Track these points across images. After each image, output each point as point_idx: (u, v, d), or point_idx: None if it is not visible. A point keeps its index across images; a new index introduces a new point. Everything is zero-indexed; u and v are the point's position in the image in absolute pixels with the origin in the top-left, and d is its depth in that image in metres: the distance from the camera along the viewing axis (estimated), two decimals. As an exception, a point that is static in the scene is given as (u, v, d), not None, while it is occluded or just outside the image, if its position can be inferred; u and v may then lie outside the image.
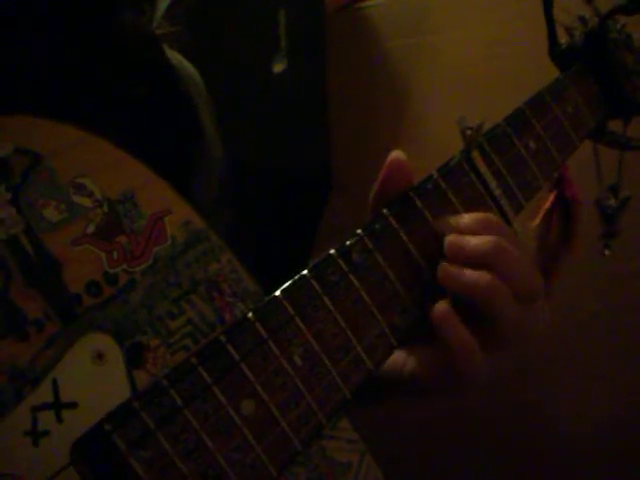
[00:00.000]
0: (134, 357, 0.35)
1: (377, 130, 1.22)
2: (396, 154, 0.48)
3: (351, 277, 0.43)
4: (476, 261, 0.45)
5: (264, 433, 0.37)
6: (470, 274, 0.45)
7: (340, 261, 0.43)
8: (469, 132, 0.53)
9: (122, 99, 0.49)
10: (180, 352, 0.37)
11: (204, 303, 0.38)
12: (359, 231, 0.45)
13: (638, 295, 1.11)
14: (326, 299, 0.41)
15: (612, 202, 0.70)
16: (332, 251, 0.43)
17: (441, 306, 0.44)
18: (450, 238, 0.47)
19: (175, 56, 0.61)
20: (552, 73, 0.68)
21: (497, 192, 0.53)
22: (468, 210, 0.50)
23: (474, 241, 0.46)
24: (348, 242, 0.44)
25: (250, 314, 0.38)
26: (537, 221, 0.68)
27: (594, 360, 1.14)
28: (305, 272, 0.41)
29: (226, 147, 0.61)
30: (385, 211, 0.46)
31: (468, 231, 0.47)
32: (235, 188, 0.58)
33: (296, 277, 0.41)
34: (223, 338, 0.37)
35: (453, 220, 0.47)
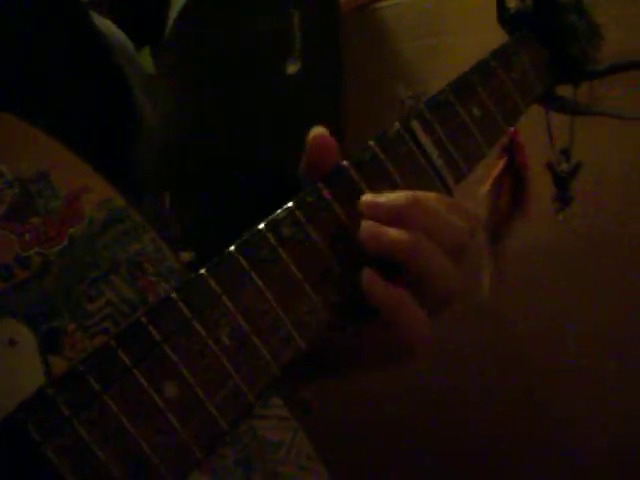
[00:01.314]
0: (50, 343, 0.34)
1: None
2: (317, 131, 0.47)
3: (280, 251, 0.42)
4: (394, 218, 0.45)
5: (189, 415, 0.36)
6: (391, 232, 0.44)
7: (269, 235, 0.42)
8: (409, 100, 0.52)
9: (40, 66, 0.47)
10: (99, 336, 0.36)
11: (125, 284, 0.37)
12: (290, 204, 0.44)
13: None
14: (254, 275, 0.40)
15: (564, 166, 0.70)
16: (261, 225, 0.42)
17: (367, 270, 0.44)
18: (366, 197, 0.46)
19: (103, 22, 0.58)
20: None
21: (438, 163, 0.52)
22: (408, 181, 0.50)
23: (390, 196, 0.46)
24: (278, 215, 0.43)
25: (173, 293, 0.37)
26: (487, 187, 0.67)
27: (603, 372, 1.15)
28: (232, 248, 0.40)
29: (235, 135, 0.59)
30: (319, 184, 0.45)
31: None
32: (251, 188, 0.57)
33: (222, 254, 0.40)
34: (144, 319, 0.36)
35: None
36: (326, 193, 0.45)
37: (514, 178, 0.66)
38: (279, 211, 0.43)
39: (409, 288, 0.44)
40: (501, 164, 0.67)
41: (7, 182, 0.35)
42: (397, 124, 0.51)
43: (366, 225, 0.44)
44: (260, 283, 0.41)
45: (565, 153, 0.71)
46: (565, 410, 1.19)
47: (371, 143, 0.49)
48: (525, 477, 1.24)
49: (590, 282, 1.20)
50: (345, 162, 0.47)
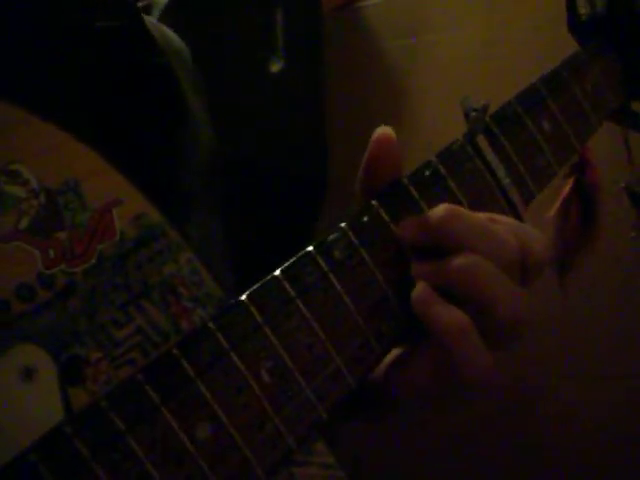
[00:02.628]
0: (70, 373, 0.30)
1: (373, 129, 1.19)
2: (383, 130, 0.42)
3: (331, 277, 0.38)
4: (444, 241, 0.40)
5: (222, 460, 0.32)
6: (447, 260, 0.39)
7: (319, 259, 0.38)
8: (474, 113, 0.47)
9: (90, 70, 0.44)
10: (125, 367, 0.32)
11: (157, 309, 0.33)
12: (343, 224, 0.40)
13: None
14: (300, 304, 0.36)
15: (643, 187, 0.64)
16: (310, 248, 0.38)
17: (420, 288, 0.39)
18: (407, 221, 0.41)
19: (158, 27, 0.55)
20: None
21: (505, 181, 0.47)
22: (471, 202, 0.45)
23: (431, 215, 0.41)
24: (330, 237, 0.39)
25: (210, 322, 0.33)
26: (554, 210, 0.62)
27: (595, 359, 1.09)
28: (277, 272, 0.36)
29: (218, 134, 0.56)
30: (374, 202, 0.41)
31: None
32: (228, 185, 0.53)
33: (266, 278, 0.36)
34: (176, 351, 0.32)
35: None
36: (383, 213, 0.41)
37: (583, 201, 0.61)
38: (331, 232, 0.39)
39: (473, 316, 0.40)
40: (569, 185, 0.62)
41: (32, 191, 0.31)
42: (461, 139, 0.46)
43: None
44: (307, 313, 0.36)
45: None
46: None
47: (433, 159, 0.44)
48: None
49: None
50: (404, 178, 0.43)
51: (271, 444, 0.34)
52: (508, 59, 1.10)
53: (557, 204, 0.59)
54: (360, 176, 0.42)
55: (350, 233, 0.39)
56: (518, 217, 0.48)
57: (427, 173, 0.44)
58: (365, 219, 0.40)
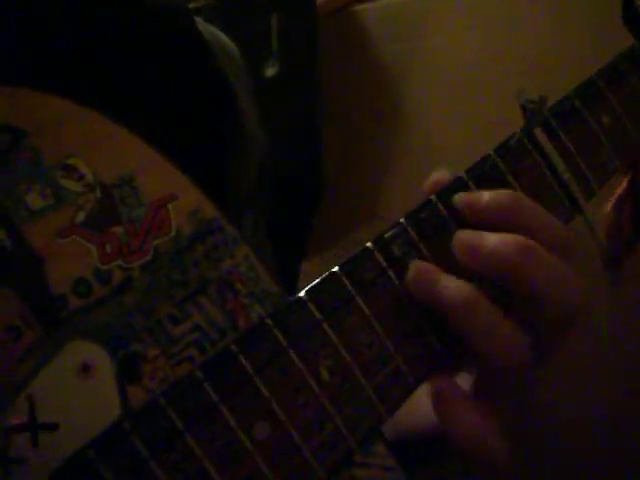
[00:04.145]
0: (128, 370, 0.30)
1: (369, 132, 1.21)
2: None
3: (390, 274, 0.37)
4: (496, 217, 0.38)
5: (281, 461, 0.31)
6: (492, 237, 0.37)
7: (378, 255, 0.37)
8: (531, 106, 0.46)
9: (145, 73, 0.44)
10: (184, 364, 0.31)
11: (214, 306, 0.32)
12: (402, 220, 0.38)
13: None
14: (360, 301, 0.35)
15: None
16: (369, 244, 0.37)
17: (415, 264, 0.36)
18: (460, 194, 0.39)
19: (210, 30, 0.55)
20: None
21: (566, 175, 0.46)
22: (531, 197, 0.43)
23: (491, 194, 0.39)
24: (388, 233, 0.38)
25: (268, 319, 0.32)
26: (608, 208, 0.60)
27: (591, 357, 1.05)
28: (336, 268, 0.35)
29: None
30: (434, 197, 0.40)
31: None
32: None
33: (325, 274, 0.35)
34: (235, 347, 0.31)
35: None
36: (442, 208, 0.40)
37: (637, 200, 0.58)
38: (389, 228, 0.38)
39: (516, 313, 0.38)
40: (624, 182, 0.59)
41: (88, 185, 0.31)
42: (519, 132, 0.45)
43: (460, 233, 0.38)
44: (366, 310, 0.35)
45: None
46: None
47: (491, 153, 0.43)
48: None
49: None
50: (463, 174, 0.41)
51: (331, 445, 0.32)
52: (504, 64, 1.09)
53: (611, 202, 0.57)
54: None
55: (409, 228, 0.38)
56: (580, 212, 0.46)
57: (485, 168, 0.42)
58: (424, 215, 0.39)
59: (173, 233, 0.32)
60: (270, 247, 0.54)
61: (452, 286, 0.35)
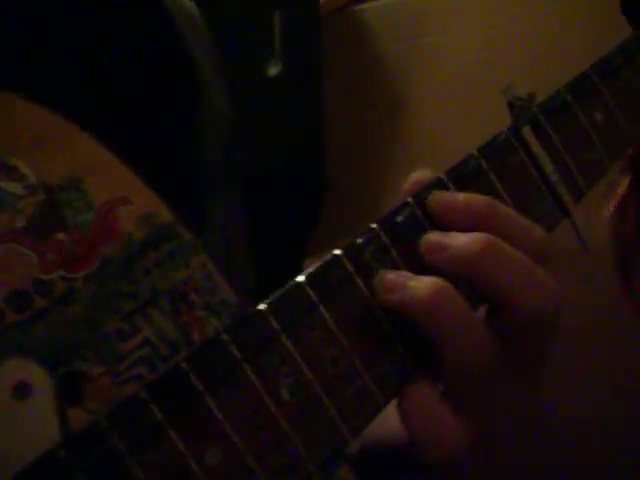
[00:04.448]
0: (69, 390, 0.27)
1: (372, 132, 1.20)
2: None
3: (357, 280, 0.34)
4: (467, 223, 0.36)
5: (235, 488, 0.29)
6: (461, 237, 0.35)
7: (346, 262, 0.34)
8: (519, 103, 0.43)
9: (98, 51, 0.41)
10: (131, 383, 0.29)
11: (166, 318, 0.30)
12: (374, 225, 0.36)
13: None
14: (324, 310, 0.33)
15: None
16: (338, 251, 0.35)
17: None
18: (436, 195, 0.37)
19: None
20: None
21: (554, 177, 0.43)
22: (516, 200, 0.41)
23: (464, 197, 0.37)
24: (359, 239, 0.35)
25: (224, 333, 0.30)
26: (610, 209, 0.57)
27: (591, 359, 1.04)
28: (301, 278, 0.33)
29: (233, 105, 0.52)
30: (411, 199, 0.37)
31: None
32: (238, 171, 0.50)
33: (288, 284, 0.33)
34: (186, 365, 0.29)
35: None
36: (418, 212, 0.37)
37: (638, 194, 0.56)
38: (361, 233, 0.36)
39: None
40: (626, 181, 0.57)
41: (30, 187, 0.28)
42: (506, 131, 0.42)
43: (429, 234, 0.36)
44: (331, 321, 0.33)
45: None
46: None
47: (475, 152, 0.41)
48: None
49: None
50: (443, 175, 0.39)
51: (289, 469, 0.31)
52: (507, 63, 1.08)
53: (613, 203, 0.55)
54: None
55: (382, 233, 0.36)
56: (567, 215, 0.44)
57: (468, 168, 0.40)
58: (399, 218, 0.37)
59: (124, 240, 0.29)
60: (246, 230, 0.51)
61: (420, 284, 0.33)
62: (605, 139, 0.48)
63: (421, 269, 0.36)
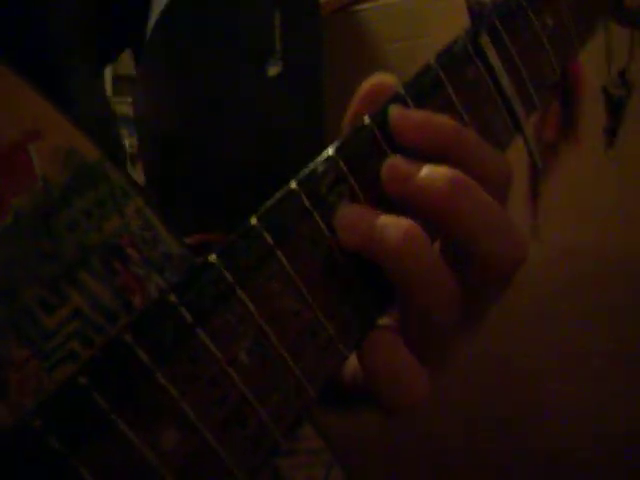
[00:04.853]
0: None
1: None
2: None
3: (316, 218, 0.30)
4: (429, 147, 0.32)
5: (194, 470, 0.25)
6: (429, 169, 0.31)
7: (303, 196, 0.30)
8: (477, 7, 0.38)
9: None
10: (63, 365, 0.23)
11: (98, 282, 0.24)
12: (331, 152, 0.31)
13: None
14: (281, 255, 0.28)
15: (621, 90, 0.58)
16: (293, 184, 0.30)
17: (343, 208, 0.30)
18: (395, 110, 0.33)
19: None
20: None
21: (509, 91, 0.40)
22: (472, 114, 0.37)
23: (428, 116, 0.33)
24: (315, 169, 0.31)
25: (171, 294, 0.25)
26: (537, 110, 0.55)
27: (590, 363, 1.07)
28: (254, 220, 0.28)
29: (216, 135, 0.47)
30: (368, 120, 0.33)
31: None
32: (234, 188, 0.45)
33: (240, 229, 0.28)
34: (129, 337, 0.24)
35: None
36: (378, 133, 0.33)
37: (564, 102, 0.54)
38: (316, 162, 0.31)
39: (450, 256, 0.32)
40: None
41: None
42: (464, 36, 0.38)
43: (389, 160, 0.32)
44: (289, 268, 0.29)
45: (622, 75, 0.59)
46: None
47: (432, 62, 0.36)
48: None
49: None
50: (401, 89, 0.34)
51: (254, 442, 0.27)
52: None
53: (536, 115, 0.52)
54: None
55: (340, 161, 0.31)
56: (521, 132, 0.41)
57: (426, 80, 0.35)
58: (357, 143, 0.32)
59: (39, 185, 0.23)
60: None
61: (390, 227, 0.29)
62: (555, 45, 0.45)
63: (379, 203, 0.32)
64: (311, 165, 0.30)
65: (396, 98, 0.34)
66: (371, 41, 1.26)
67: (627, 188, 1.01)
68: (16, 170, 0.23)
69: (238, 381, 0.26)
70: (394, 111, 0.32)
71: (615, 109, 0.58)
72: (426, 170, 0.31)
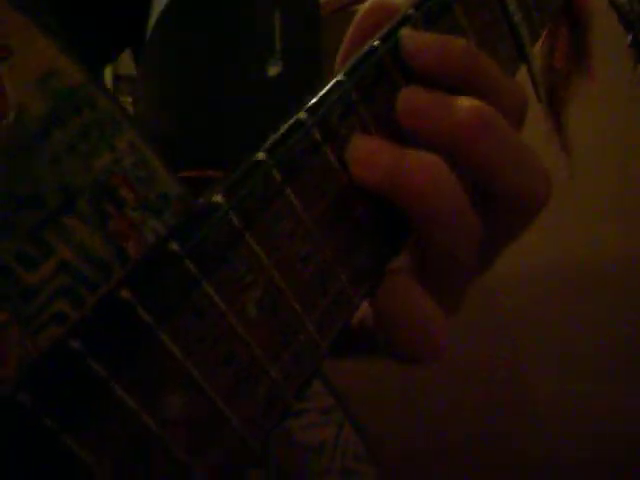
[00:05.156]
0: None
1: None
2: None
3: (327, 151, 0.27)
4: (446, 75, 0.29)
5: (202, 440, 0.22)
6: (452, 101, 0.28)
7: (313, 128, 0.26)
8: None
9: None
10: (49, 328, 0.20)
11: (88, 228, 0.21)
12: (341, 77, 0.28)
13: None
14: (291, 194, 0.25)
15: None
16: (302, 114, 0.26)
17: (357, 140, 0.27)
18: (407, 33, 0.29)
19: None
20: None
21: (517, 17, 0.36)
22: (479, 38, 0.34)
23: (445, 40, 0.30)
24: (325, 96, 0.27)
25: (172, 241, 0.21)
26: (541, 40, 0.52)
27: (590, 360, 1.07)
28: (262, 154, 0.24)
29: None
30: (377, 43, 0.29)
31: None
32: None
33: (246, 163, 0.24)
34: (127, 294, 0.20)
35: None
36: (389, 60, 0.29)
37: (571, 26, 0.51)
38: (325, 89, 0.27)
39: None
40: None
41: None
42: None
43: (406, 91, 0.29)
44: (300, 208, 0.25)
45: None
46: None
47: None
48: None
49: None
50: (412, 10, 0.31)
51: (265, 406, 0.24)
52: None
53: (544, 32, 0.49)
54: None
55: (351, 89, 0.27)
56: (526, 60, 0.38)
57: (434, 1, 0.32)
58: (368, 68, 0.28)
59: (11, 116, 0.19)
60: None
61: (413, 159, 0.26)
62: None
63: (391, 136, 0.29)
64: (319, 92, 0.27)
65: (405, 19, 0.30)
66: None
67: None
68: (-16, 95, 0.19)
69: (247, 338, 0.23)
70: (407, 34, 0.29)
71: (629, 21, 0.55)
72: (448, 101, 0.27)
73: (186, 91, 0.60)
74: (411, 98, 0.28)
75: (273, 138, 0.25)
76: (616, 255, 1.04)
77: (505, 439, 1.14)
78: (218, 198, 0.23)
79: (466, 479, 1.17)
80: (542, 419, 1.13)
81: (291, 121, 0.26)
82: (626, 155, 1.07)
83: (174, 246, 0.22)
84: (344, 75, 0.27)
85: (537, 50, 0.49)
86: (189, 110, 0.55)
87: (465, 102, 0.28)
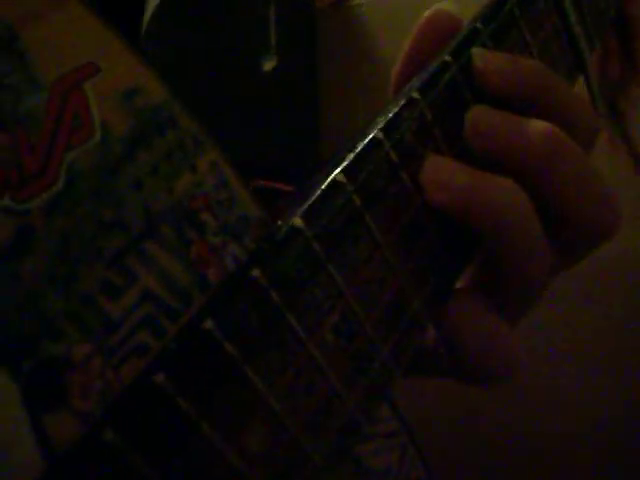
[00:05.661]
0: (42, 389, 0.17)
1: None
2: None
3: (402, 174, 0.26)
4: (517, 96, 0.28)
5: (282, 474, 0.21)
6: (526, 123, 0.27)
7: (390, 149, 0.25)
8: None
9: None
10: (132, 360, 0.19)
11: (171, 255, 0.20)
12: (414, 94, 0.27)
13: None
14: (369, 219, 0.24)
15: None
16: (378, 132, 0.25)
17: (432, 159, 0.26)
18: (479, 53, 0.29)
19: None
20: None
21: (577, 29, 0.35)
22: (540, 51, 0.33)
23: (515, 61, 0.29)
24: (400, 114, 0.26)
25: (254, 268, 0.20)
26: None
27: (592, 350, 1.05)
28: (340, 176, 0.23)
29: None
30: (448, 57, 0.28)
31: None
32: None
33: (325, 185, 0.23)
34: (210, 324, 0.19)
35: None
36: (460, 77, 0.28)
37: (622, 33, 0.50)
38: (398, 106, 0.26)
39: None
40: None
41: None
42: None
43: (476, 111, 0.28)
44: (377, 231, 0.24)
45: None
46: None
47: None
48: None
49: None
50: (479, 24, 0.30)
51: (341, 436, 0.23)
52: None
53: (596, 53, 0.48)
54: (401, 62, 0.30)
55: (425, 108, 0.26)
56: (585, 72, 0.37)
57: (502, 17, 0.31)
58: (441, 86, 0.27)
59: (97, 136, 0.18)
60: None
61: (491, 185, 0.25)
62: None
63: (460, 154, 0.28)
64: (392, 109, 0.26)
65: (473, 34, 0.29)
66: (367, 36, 1.25)
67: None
68: (71, 115, 0.17)
69: (325, 368, 0.22)
70: (478, 52, 0.28)
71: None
72: (519, 123, 0.26)
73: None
74: (482, 119, 0.27)
75: (350, 158, 0.24)
76: (618, 251, 1.03)
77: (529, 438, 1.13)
78: (298, 222, 0.22)
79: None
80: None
81: (366, 140, 0.25)
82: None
83: (256, 272, 0.20)
84: (418, 92, 0.26)
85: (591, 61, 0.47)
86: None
87: (537, 125, 0.27)
